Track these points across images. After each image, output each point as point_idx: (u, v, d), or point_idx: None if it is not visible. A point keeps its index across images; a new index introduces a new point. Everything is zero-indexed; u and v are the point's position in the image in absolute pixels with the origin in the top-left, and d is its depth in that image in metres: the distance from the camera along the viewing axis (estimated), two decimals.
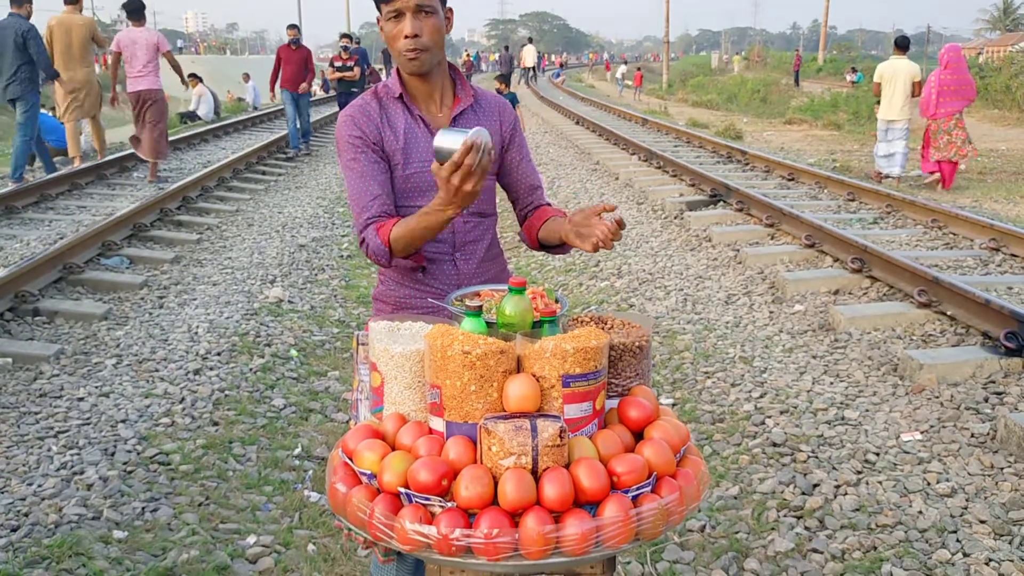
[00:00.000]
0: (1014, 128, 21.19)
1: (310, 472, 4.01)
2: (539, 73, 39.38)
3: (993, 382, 4.36)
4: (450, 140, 2.01)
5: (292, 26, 13.96)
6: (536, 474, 1.70)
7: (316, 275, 7.18)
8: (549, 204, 2.55)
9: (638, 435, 1.95)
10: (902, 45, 11.67)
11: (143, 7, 10.13)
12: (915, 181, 11.84)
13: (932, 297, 5.30)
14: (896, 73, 11.33)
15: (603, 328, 2.16)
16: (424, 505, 1.69)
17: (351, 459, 1.89)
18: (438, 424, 1.89)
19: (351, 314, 6.33)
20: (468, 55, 44.37)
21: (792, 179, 10.77)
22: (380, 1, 2.22)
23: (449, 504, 1.68)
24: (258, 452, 4.11)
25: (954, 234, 7.49)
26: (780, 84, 37.08)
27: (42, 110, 14.95)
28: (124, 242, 7.51)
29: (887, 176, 11.58)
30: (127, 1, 9.85)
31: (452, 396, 1.84)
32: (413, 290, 2.46)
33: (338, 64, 14.80)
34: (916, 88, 11.27)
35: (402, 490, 1.72)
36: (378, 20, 2.30)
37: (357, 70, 14.66)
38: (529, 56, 39.83)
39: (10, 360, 4.85)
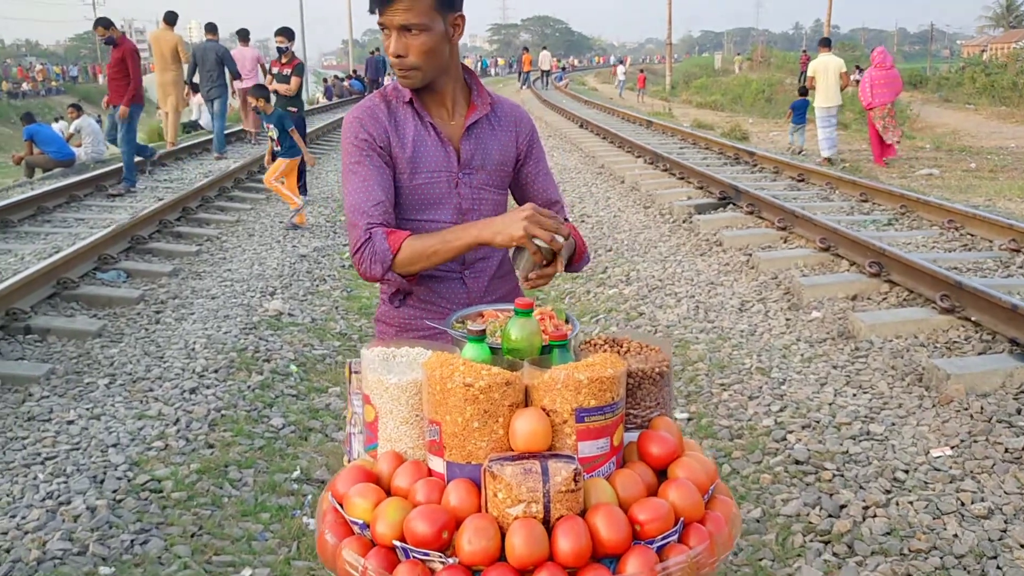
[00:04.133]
0: (1022, 125, 20.95)
1: (309, 497, 3.82)
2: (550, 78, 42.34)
3: None
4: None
5: (99, 20, 10.33)
6: (548, 524, 1.52)
7: (317, 286, 7.01)
8: (566, 220, 2.35)
9: (661, 473, 1.76)
10: (827, 44, 14.21)
11: (248, 33, 14.30)
12: (849, 159, 14.08)
13: (955, 302, 5.09)
14: (828, 67, 13.37)
15: (618, 351, 1.97)
16: (423, 561, 1.51)
17: (341, 505, 1.70)
18: (438, 465, 1.70)
19: (353, 326, 6.15)
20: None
21: (802, 180, 10.57)
22: (372, 11, 2.06)
23: (451, 560, 1.49)
24: (255, 476, 3.93)
25: (971, 235, 7.27)
26: (785, 84, 36.82)
27: (44, 122, 14.91)
28: (121, 255, 7.34)
29: (828, 158, 13.42)
30: (238, 29, 13.74)
31: (453, 434, 1.66)
32: (418, 310, 2.28)
33: (275, 71, 10.61)
34: (844, 79, 13.48)
35: (398, 544, 1.53)
36: None
37: (295, 81, 10.41)
38: (545, 61, 42.82)
39: None
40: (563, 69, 57.77)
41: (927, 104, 27.30)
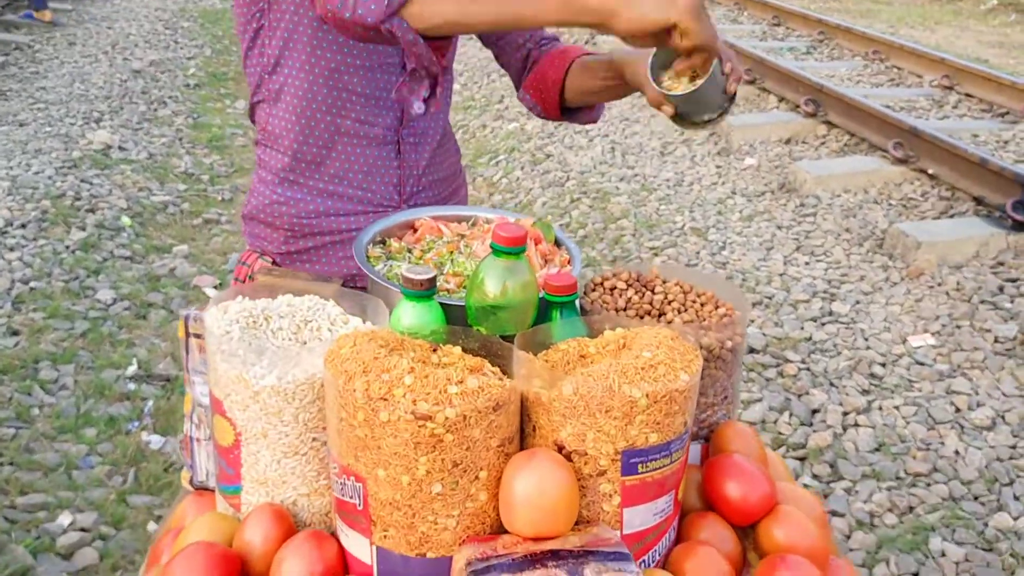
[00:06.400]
0: None
1: (149, 403, 2.97)
2: None
3: (1002, 264, 3.62)
4: None
5: None
6: None
7: (155, 111, 5.80)
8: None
9: (745, 528, 1.03)
10: None
11: None
12: None
13: (909, 152, 4.49)
14: None
15: (650, 304, 1.17)
16: None
17: None
18: (359, 548, 0.91)
19: (201, 164, 5.08)
20: None
21: None
22: None
23: None
24: (76, 374, 3.04)
25: (898, 68, 6.66)
26: None
27: None
28: None
29: None
30: None
31: (391, 502, 0.86)
32: (322, 198, 1.40)
33: None
34: None
35: None
36: None
37: None
38: None
39: None
40: None
41: None
